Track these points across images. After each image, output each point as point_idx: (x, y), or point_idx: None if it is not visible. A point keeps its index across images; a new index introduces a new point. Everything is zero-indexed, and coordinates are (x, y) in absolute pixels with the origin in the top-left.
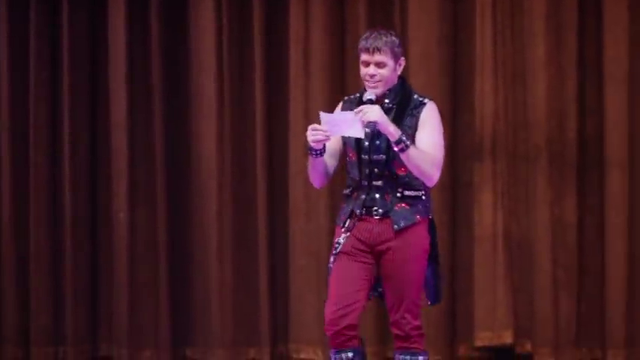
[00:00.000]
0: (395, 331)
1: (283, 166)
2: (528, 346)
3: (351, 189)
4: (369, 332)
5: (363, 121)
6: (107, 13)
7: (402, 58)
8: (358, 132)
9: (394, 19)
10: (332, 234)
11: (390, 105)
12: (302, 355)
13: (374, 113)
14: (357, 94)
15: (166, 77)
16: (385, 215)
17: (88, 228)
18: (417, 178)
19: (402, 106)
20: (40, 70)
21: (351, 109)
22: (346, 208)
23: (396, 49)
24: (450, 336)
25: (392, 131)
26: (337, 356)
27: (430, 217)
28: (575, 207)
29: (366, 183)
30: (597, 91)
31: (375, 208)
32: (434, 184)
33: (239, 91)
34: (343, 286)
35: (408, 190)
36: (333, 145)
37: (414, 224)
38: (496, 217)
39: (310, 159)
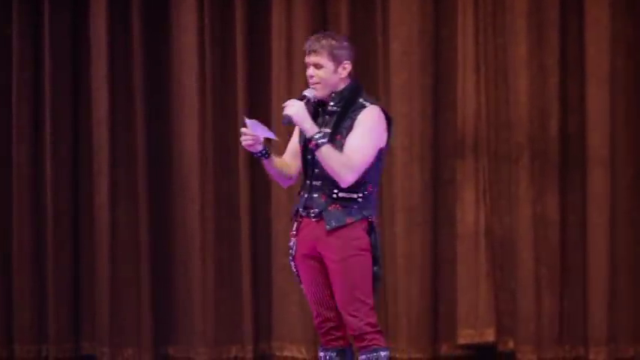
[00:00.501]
0: (349, 332)
1: None
2: (511, 344)
3: (300, 188)
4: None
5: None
6: (89, 12)
7: (347, 62)
8: (271, 134)
9: (376, 18)
10: None
11: (335, 108)
12: (285, 353)
13: (293, 108)
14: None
15: (148, 76)
16: (320, 216)
17: (70, 226)
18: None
19: (345, 109)
20: (22, 69)
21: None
22: (294, 209)
23: (335, 52)
24: (433, 334)
25: (307, 128)
26: (322, 354)
27: (369, 219)
28: (558, 205)
29: (308, 183)
30: (579, 90)
31: (312, 208)
32: (346, 185)
33: (221, 90)
34: (317, 291)
35: (342, 191)
36: (294, 145)
37: (344, 226)
38: (478, 215)
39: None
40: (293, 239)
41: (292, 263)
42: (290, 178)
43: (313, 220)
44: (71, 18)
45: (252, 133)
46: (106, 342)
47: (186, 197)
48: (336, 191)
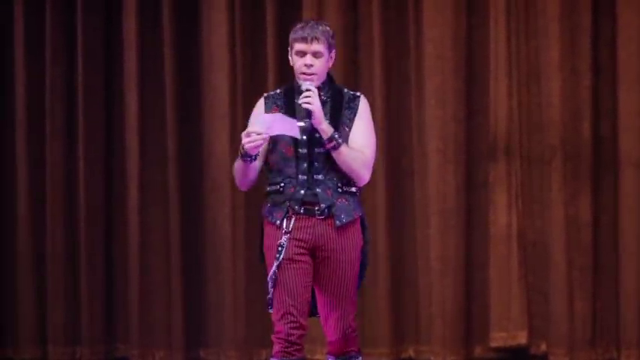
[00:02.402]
0: (331, 335)
1: None
2: (543, 347)
3: (281, 185)
4: (382, 332)
5: (306, 110)
6: (121, 13)
7: (334, 50)
8: (295, 131)
9: (408, 20)
10: None
11: (325, 98)
12: (316, 356)
13: (315, 104)
14: (279, 90)
15: (179, 77)
16: (327, 211)
17: (103, 228)
18: None
19: (336, 99)
20: (55, 69)
21: (275, 105)
22: (279, 205)
23: (330, 40)
24: (466, 337)
25: (325, 128)
26: None
27: (363, 215)
28: (590, 207)
29: (304, 177)
30: (611, 93)
31: (317, 203)
32: (365, 182)
33: (252, 91)
34: (295, 298)
35: (346, 185)
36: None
37: (353, 220)
38: (511, 217)
39: (241, 165)
40: (284, 237)
41: (275, 264)
42: (254, 180)
43: (318, 217)
44: (103, 19)
45: (270, 133)
46: (137, 344)
47: (216, 199)
48: (340, 185)
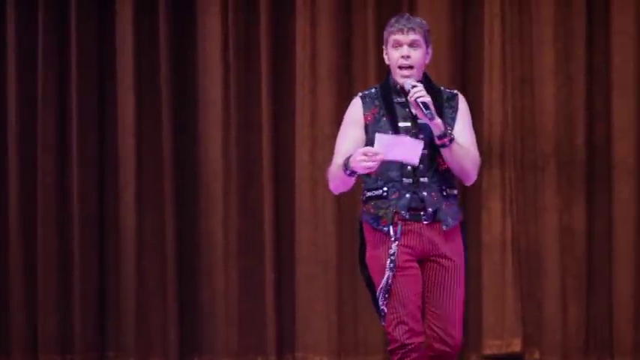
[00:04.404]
0: (438, 346)
1: (290, 171)
2: (537, 354)
3: (384, 190)
4: (375, 339)
5: (422, 103)
6: (115, 21)
7: (431, 47)
8: (414, 157)
9: None
10: (339, 242)
11: None
12: None
13: (427, 95)
14: (373, 90)
15: (174, 84)
16: (434, 215)
17: (96, 235)
18: (454, 175)
19: (435, 97)
20: (48, 78)
21: (374, 105)
22: (384, 210)
23: (427, 34)
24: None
25: (439, 123)
26: None
27: (463, 218)
28: (584, 214)
29: (410, 181)
30: (605, 98)
31: (424, 207)
32: (471, 183)
33: (245, 98)
34: (408, 307)
35: (450, 187)
36: (358, 144)
37: (458, 224)
38: (505, 224)
39: (343, 176)
40: (394, 245)
41: (390, 274)
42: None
43: (424, 222)
44: (98, 27)
45: (387, 158)
46: (132, 352)
47: (210, 204)
48: (444, 187)
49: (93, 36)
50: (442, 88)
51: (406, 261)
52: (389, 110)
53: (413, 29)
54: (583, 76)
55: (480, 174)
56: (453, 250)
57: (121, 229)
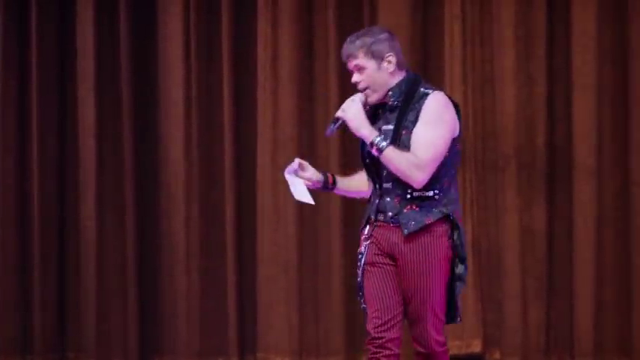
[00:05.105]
0: (416, 347)
1: (251, 173)
2: (497, 355)
3: (369, 196)
4: (336, 340)
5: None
6: (75, 23)
7: (389, 54)
8: (305, 198)
9: (363, 26)
10: (300, 243)
11: (395, 103)
12: None
13: (349, 112)
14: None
15: (135, 86)
16: (395, 219)
17: (56, 238)
18: (433, 178)
19: (406, 102)
20: (8, 80)
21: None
22: (365, 214)
23: (373, 48)
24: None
25: (366, 134)
26: None
27: (451, 216)
28: (544, 215)
29: (378, 187)
30: (566, 99)
31: (387, 212)
32: (420, 185)
33: (207, 99)
34: (381, 300)
35: (417, 191)
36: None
37: (423, 229)
38: (465, 225)
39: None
40: (364, 244)
41: (359, 272)
42: (365, 191)
43: (390, 224)
44: (58, 28)
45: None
46: (92, 353)
47: (172, 208)
48: (410, 191)
49: (53, 37)
50: (422, 88)
51: (375, 255)
52: (371, 118)
53: (352, 55)
54: (544, 77)
55: None
56: (418, 253)
57: (81, 230)
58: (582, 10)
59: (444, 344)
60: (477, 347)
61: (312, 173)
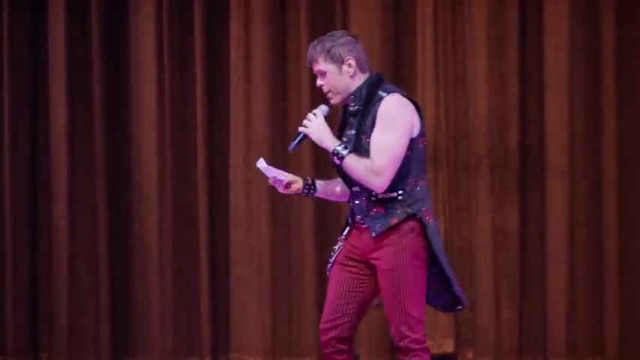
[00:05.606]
0: (395, 344)
1: (224, 173)
2: (470, 355)
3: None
4: (309, 339)
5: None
6: (47, 23)
7: (349, 58)
8: (282, 175)
9: (336, 27)
10: (273, 243)
11: (356, 107)
12: None
13: (310, 126)
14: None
15: (107, 87)
16: (364, 221)
17: (28, 237)
18: (397, 179)
19: (365, 106)
20: None
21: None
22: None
23: (332, 52)
24: (391, 344)
25: (328, 145)
26: None
27: (418, 215)
28: (517, 215)
29: (349, 190)
30: (538, 100)
31: (357, 214)
32: (381, 190)
33: (179, 100)
34: (335, 297)
35: (383, 192)
36: None
37: (391, 230)
38: None
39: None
40: (340, 243)
41: (329, 265)
42: (344, 194)
43: (362, 225)
44: (29, 28)
45: (271, 177)
46: (64, 353)
47: (144, 208)
48: (374, 194)
49: (25, 37)
50: (380, 91)
51: (347, 257)
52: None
53: (314, 60)
54: (516, 78)
55: None
56: (388, 252)
57: (53, 231)
58: (555, 9)
59: (422, 342)
60: (449, 347)
61: (297, 185)
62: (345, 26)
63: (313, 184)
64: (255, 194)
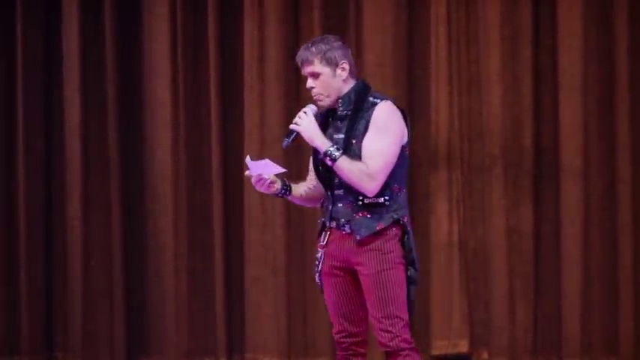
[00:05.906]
0: (381, 347)
1: (238, 173)
2: (485, 355)
3: (323, 201)
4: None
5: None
6: (61, 23)
7: (344, 62)
8: (277, 169)
9: (349, 28)
10: (288, 245)
11: (345, 112)
12: None
13: (301, 124)
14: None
15: (120, 87)
16: (348, 226)
17: (43, 238)
18: (385, 184)
19: (355, 111)
20: None
21: (316, 118)
22: (320, 221)
23: (328, 55)
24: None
25: (319, 145)
26: None
27: (401, 221)
28: (531, 215)
29: (330, 193)
30: (552, 100)
31: (339, 219)
32: (372, 194)
33: (194, 100)
34: (343, 304)
35: (367, 197)
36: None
37: (376, 235)
38: (452, 226)
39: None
40: (321, 251)
41: (317, 275)
42: (319, 198)
43: (343, 231)
44: (43, 29)
45: (256, 174)
46: (79, 353)
47: (159, 208)
48: (361, 198)
49: (39, 37)
50: (371, 98)
51: (331, 267)
52: (322, 126)
53: (308, 61)
54: (530, 78)
55: (427, 176)
56: (372, 257)
57: (67, 231)
58: (568, 10)
59: (411, 342)
60: (464, 347)
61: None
62: (358, 26)
63: (290, 186)
64: (270, 195)
